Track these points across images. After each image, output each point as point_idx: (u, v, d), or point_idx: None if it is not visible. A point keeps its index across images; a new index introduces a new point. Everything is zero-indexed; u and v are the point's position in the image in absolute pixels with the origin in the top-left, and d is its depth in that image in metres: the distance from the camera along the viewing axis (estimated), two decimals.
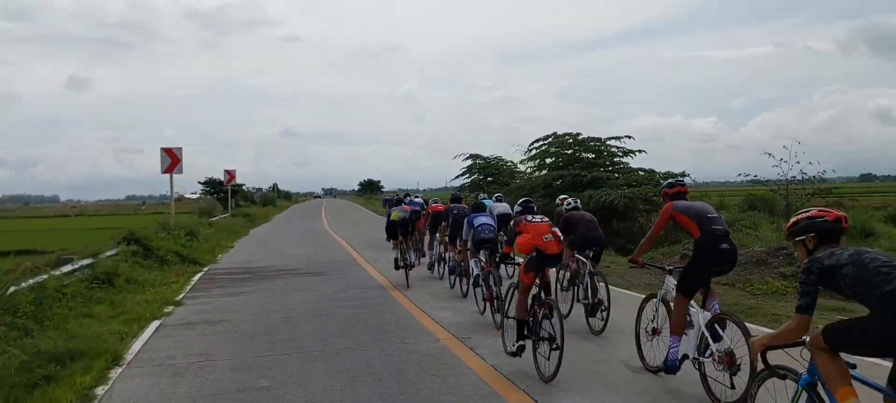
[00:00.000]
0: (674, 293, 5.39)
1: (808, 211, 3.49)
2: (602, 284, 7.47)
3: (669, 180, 5.91)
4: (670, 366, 5.27)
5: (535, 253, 6.09)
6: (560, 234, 6.42)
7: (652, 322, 5.83)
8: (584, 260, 7.94)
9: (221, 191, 58.71)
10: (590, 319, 7.45)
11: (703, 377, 5.12)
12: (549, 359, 5.54)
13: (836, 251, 3.25)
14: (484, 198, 13.16)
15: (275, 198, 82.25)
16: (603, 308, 7.28)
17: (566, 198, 9.14)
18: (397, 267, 11.51)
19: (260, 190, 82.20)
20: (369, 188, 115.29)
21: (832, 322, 3.26)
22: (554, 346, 5.46)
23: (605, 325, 7.24)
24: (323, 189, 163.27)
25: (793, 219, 3.55)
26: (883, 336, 3.00)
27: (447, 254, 11.35)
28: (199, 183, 62.09)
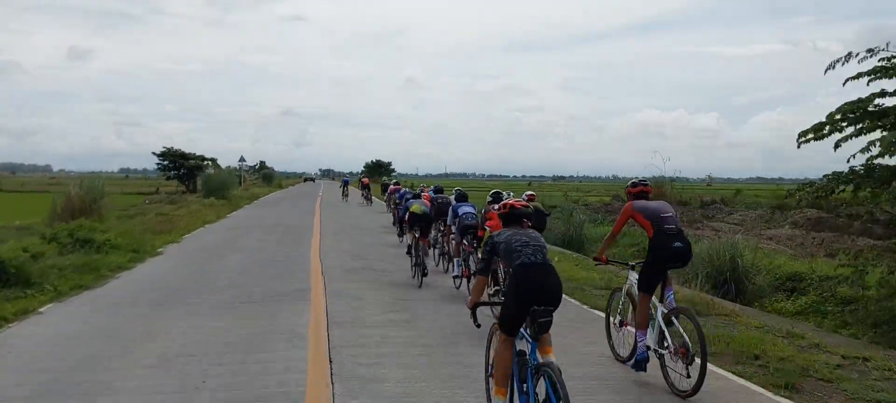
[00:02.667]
0: (636, 287, 5.77)
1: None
2: None
3: (633, 180, 6.06)
4: (639, 361, 5.60)
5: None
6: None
7: (619, 314, 6.16)
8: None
9: (183, 167, 50.10)
10: None
11: (663, 367, 5.47)
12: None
13: (505, 231, 4.38)
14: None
15: (274, 176, 73.05)
16: None
17: (526, 194, 10.52)
18: (412, 260, 10.59)
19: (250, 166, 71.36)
20: (377, 171, 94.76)
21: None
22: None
23: None
24: (320, 170, 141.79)
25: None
26: (524, 293, 4.05)
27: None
28: (155, 154, 51.46)
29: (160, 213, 23.94)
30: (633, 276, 5.88)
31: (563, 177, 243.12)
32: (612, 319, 6.35)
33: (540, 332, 4.07)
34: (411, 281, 10.46)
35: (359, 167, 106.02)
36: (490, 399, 4.47)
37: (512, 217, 4.55)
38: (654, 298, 5.68)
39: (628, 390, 5.49)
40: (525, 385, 4.03)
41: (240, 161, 53.08)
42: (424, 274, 10.15)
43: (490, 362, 4.53)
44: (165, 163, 52.20)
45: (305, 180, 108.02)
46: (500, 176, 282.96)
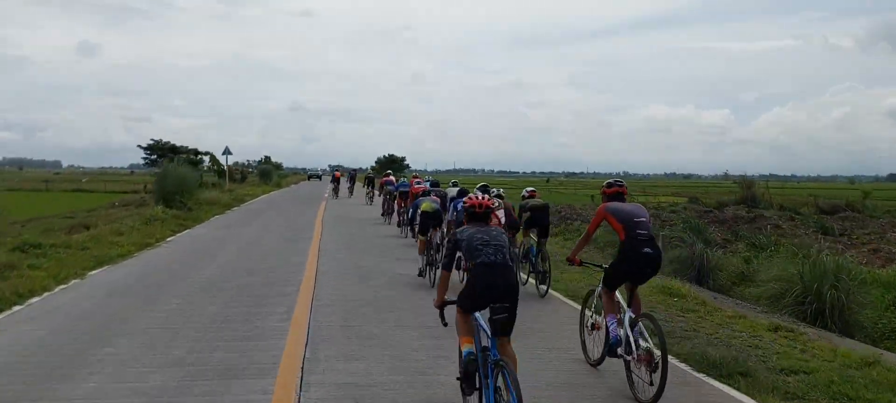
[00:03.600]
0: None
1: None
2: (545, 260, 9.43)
3: (608, 180, 5.95)
4: (612, 346, 5.53)
5: None
6: (499, 217, 8.75)
7: (591, 317, 6.04)
8: (535, 238, 9.82)
9: (174, 162, 45.82)
10: (539, 286, 9.44)
11: (628, 373, 5.36)
12: None
13: (466, 229, 4.60)
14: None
15: (272, 173, 63.19)
16: (547, 276, 9.32)
17: (527, 189, 10.53)
18: (422, 274, 10.36)
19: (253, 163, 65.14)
20: (390, 166, 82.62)
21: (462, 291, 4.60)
22: None
23: (548, 290, 9.35)
24: (329, 165, 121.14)
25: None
26: (480, 291, 4.37)
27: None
28: (141, 147, 47.70)
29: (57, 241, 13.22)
30: None
31: (574, 174, 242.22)
32: (586, 319, 6.22)
33: (499, 330, 4.33)
34: (423, 281, 10.07)
35: (368, 162, 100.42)
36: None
37: (475, 215, 4.70)
38: (622, 303, 5.61)
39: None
40: (487, 380, 4.29)
41: (224, 153, 50.53)
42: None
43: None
44: (153, 157, 47.24)
45: (310, 177, 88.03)
46: (511, 172, 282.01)
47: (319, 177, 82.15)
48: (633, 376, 5.31)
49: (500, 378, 4.19)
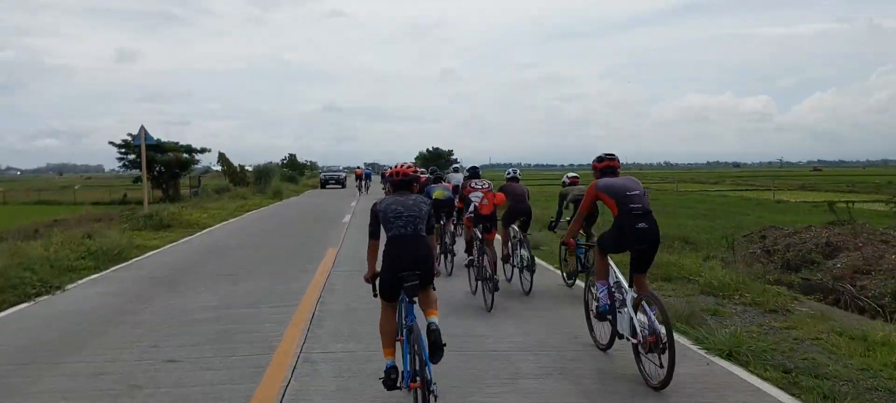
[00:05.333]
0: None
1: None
2: (524, 252, 8.48)
3: (599, 154, 5.65)
4: (602, 311, 5.40)
5: (472, 213, 8.38)
6: (496, 199, 8.44)
7: (596, 301, 5.74)
8: (515, 229, 8.91)
9: (158, 163, 35.89)
10: (523, 280, 8.56)
11: (637, 357, 5.07)
12: (487, 297, 7.55)
13: (388, 198, 4.62)
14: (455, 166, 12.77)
15: (276, 174, 45.33)
16: (532, 270, 8.34)
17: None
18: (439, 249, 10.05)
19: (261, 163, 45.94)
20: (436, 162, 69.99)
21: None
22: (493, 285, 7.36)
23: (531, 286, 8.37)
24: (364, 163, 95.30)
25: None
26: (387, 266, 4.41)
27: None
28: (112, 144, 37.35)
29: None
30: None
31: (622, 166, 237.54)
32: (590, 303, 5.93)
33: (410, 295, 4.37)
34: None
35: (405, 159, 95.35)
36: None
37: (395, 183, 4.79)
38: (623, 282, 5.34)
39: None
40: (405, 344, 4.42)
41: (133, 137, 34.51)
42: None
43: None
44: (130, 157, 37.00)
45: (325, 182, 51.16)
46: (547, 165, 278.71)
47: (341, 181, 49.67)
48: (643, 359, 5.01)
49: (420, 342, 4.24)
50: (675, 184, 52.40)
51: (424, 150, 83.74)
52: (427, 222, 4.58)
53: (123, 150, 37.52)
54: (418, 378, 4.12)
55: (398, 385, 4.37)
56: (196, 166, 42.03)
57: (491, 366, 5.40)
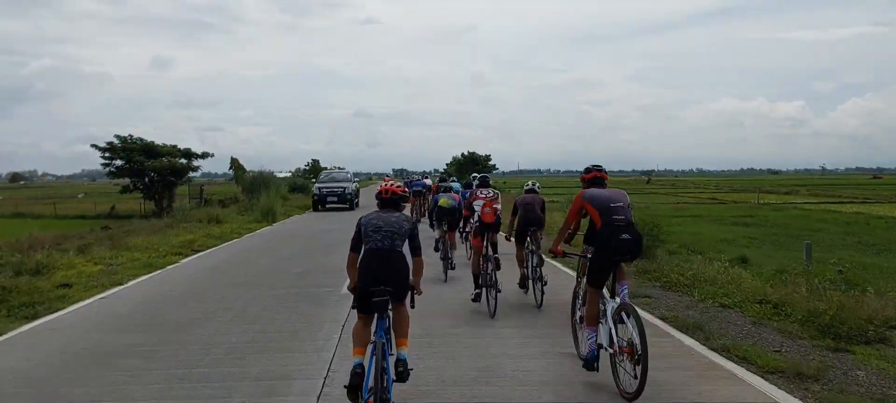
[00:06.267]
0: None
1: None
2: (535, 262, 8.38)
3: (588, 165, 5.71)
4: (589, 359, 5.30)
5: (477, 221, 8.37)
6: (497, 207, 8.43)
7: (580, 310, 5.82)
8: (528, 240, 8.68)
9: (145, 169, 30.80)
10: (535, 292, 8.36)
11: (613, 366, 5.14)
12: (490, 302, 7.73)
13: (371, 214, 4.75)
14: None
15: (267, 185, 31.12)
16: (543, 283, 8.23)
17: (527, 182, 9.55)
18: (444, 258, 10.44)
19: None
20: (471, 168, 62.15)
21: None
22: (496, 291, 7.66)
23: (543, 298, 8.22)
24: (393, 170, 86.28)
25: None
26: (361, 275, 4.51)
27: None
28: (96, 147, 31.92)
29: None
30: None
31: (651, 171, 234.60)
32: (577, 312, 5.99)
33: (379, 310, 4.42)
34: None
35: (434, 165, 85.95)
36: None
37: (383, 201, 4.88)
38: (605, 293, 5.37)
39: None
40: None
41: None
42: (451, 268, 10.25)
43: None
44: (116, 162, 31.87)
45: (321, 201, 29.47)
46: (576, 171, 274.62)
47: (348, 198, 29.86)
48: (618, 369, 5.08)
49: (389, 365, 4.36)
50: (755, 193, 48.92)
51: (459, 155, 76.64)
52: (410, 241, 4.64)
53: (108, 155, 31.19)
54: (377, 398, 4.11)
55: (361, 384, 4.31)
56: (193, 174, 36.15)
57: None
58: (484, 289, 7.93)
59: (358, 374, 4.33)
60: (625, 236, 5.18)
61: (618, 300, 5.26)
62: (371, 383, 4.21)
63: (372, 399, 4.14)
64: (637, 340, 4.78)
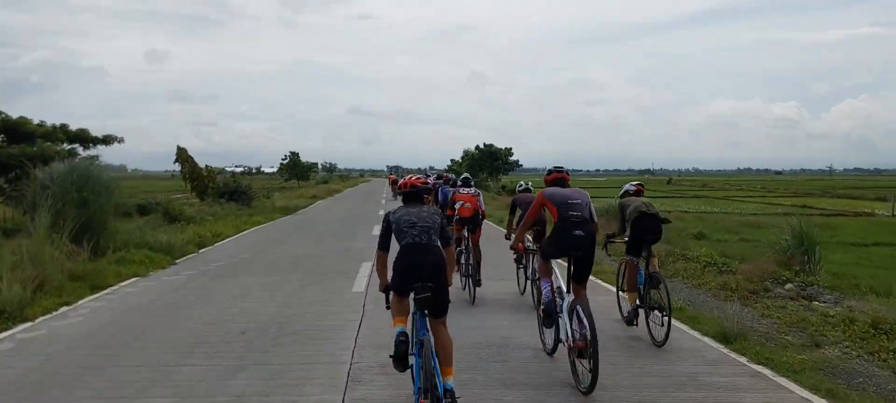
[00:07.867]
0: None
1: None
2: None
3: (550, 167, 6.14)
4: (547, 307, 5.74)
5: (457, 216, 8.98)
6: (477, 203, 9.07)
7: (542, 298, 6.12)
8: (528, 238, 8.55)
9: (4, 163, 15.17)
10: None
11: (571, 361, 5.23)
12: (466, 287, 8.68)
13: (400, 210, 4.73)
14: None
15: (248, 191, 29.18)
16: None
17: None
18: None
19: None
20: (488, 164, 61.13)
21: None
22: (474, 278, 8.48)
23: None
24: (387, 166, 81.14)
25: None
26: (402, 271, 4.49)
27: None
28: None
29: None
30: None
31: (649, 171, 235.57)
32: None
33: (422, 307, 4.45)
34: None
35: (437, 163, 78.85)
36: None
37: (407, 196, 4.90)
38: (563, 286, 5.75)
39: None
40: (415, 358, 4.44)
41: None
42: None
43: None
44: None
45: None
46: (574, 170, 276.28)
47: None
48: (575, 363, 5.18)
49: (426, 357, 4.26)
50: (891, 201, 35.43)
51: (472, 149, 66.08)
52: (441, 233, 4.64)
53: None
54: (429, 395, 4.06)
55: (411, 352, 4.42)
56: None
57: None
58: (466, 279, 8.71)
59: (403, 341, 4.41)
60: (577, 232, 5.50)
61: (572, 295, 5.50)
62: (421, 383, 4.20)
63: (428, 398, 4.08)
64: (589, 335, 4.92)
